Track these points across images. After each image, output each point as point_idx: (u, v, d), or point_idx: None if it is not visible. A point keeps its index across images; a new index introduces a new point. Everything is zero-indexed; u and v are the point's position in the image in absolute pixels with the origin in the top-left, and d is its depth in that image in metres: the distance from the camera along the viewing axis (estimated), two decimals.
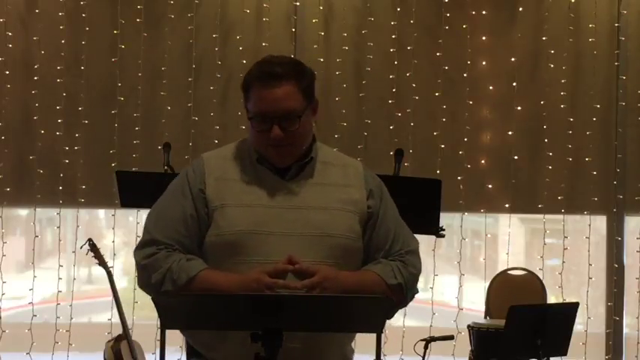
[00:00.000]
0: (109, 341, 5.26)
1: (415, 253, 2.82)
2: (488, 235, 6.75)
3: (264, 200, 2.67)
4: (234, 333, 2.57)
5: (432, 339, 5.16)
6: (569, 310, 4.93)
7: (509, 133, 6.69)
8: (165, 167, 5.26)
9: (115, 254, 6.52)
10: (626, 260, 6.70)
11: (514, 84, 6.67)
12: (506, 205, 6.68)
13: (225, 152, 2.79)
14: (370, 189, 2.77)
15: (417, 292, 2.83)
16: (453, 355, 6.38)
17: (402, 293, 2.74)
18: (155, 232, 2.70)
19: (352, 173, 2.79)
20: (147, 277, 2.67)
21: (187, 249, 2.68)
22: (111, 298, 5.32)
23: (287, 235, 2.63)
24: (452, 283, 6.73)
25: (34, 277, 6.53)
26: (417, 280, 2.79)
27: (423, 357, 5.13)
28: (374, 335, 4.41)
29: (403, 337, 6.31)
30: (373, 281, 2.69)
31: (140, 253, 2.71)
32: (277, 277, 2.56)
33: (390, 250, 2.77)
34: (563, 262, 6.59)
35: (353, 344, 2.87)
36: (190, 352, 2.82)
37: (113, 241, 6.56)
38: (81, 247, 5.26)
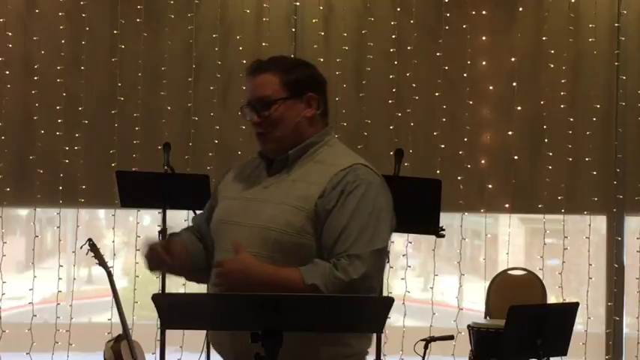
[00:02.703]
0: (109, 341, 5.26)
1: (360, 258, 2.59)
2: (488, 235, 6.74)
3: (243, 193, 2.82)
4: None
5: (432, 339, 5.16)
6: (569, 310, 4.92)
7: (509, 133, 6.69)
8: (165, 167, 5.26)
9: (115, 254, 6.52)
10: (626, 260, 6.70)
11: (514, 84, 6.66)
12: (506, 205, 6.68)
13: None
14: (326, 187, 2.66)
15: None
16: (453, 355, 6.38)
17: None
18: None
19: (329, 172, 2.70)
20: None
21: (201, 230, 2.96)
22: (111, 298, 5.32)
23: (242, 226, 2.73)
24: (452, 283, 6.73)
25: (34, 277, 6.53)
26: (346, 287, 2.56)
27: (423, 357, 5.13)
28: (374, 335, 4.43)
29: (403, 337, 6.31)
30: (290, 279, 2.58)
31: None
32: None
33: (332, 250, 2.63)
34: (563, 262, 6.59)
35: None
36: None
37: (113, 241, 6.56)
38: (81, 247, 5.26)
